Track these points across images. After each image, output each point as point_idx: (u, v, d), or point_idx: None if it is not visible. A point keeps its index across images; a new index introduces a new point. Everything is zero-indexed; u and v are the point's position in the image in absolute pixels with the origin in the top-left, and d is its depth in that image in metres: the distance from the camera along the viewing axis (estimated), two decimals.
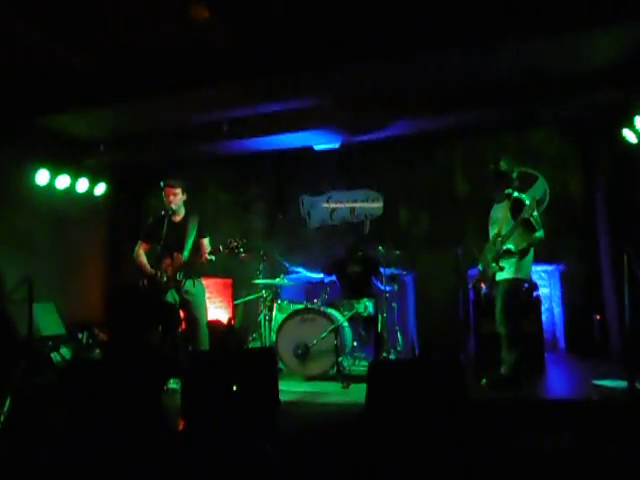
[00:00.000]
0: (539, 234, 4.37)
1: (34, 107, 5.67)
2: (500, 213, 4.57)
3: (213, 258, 4.69)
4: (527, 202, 4.38)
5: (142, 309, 3.59)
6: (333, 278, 6.24)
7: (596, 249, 6.39)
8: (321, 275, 6.00)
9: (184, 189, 4.82)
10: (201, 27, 4.37)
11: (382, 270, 5.80)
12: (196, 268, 4.78)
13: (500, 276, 4.48)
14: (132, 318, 3.21)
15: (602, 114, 5.94)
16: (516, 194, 4.54)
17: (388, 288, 5.69)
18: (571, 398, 4.35)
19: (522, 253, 4.40)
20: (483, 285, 4.79)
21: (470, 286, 5.68)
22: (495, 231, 4.54)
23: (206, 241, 4.88)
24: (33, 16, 4.29)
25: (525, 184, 6.51)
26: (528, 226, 4.36)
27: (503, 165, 4.58)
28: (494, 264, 4.48)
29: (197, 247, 4.82)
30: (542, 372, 5.20)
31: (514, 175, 4.63)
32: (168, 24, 4.43)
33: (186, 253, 4.72)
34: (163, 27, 4.50)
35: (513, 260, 4.40)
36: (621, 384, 4.20)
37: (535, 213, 4.39)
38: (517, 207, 4.41)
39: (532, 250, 4.47)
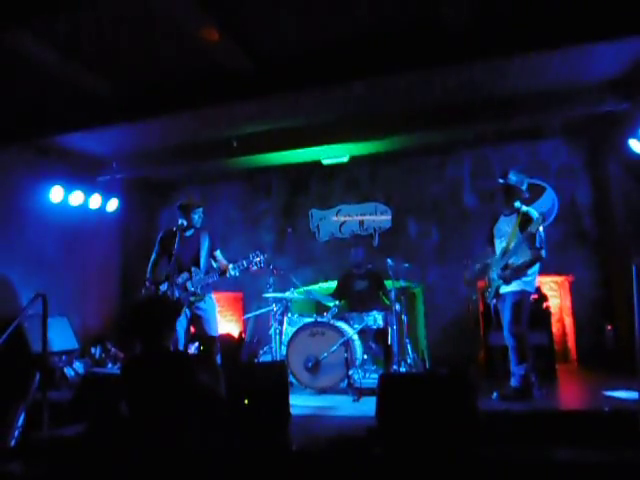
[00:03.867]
0: (542, 252, 4.36)
1: (48, 125, 5.79)
2: (508, 226, 4.56)
3: (237, 273, 4.74)
4: (535, 216, 4.35)
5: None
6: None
7: (606, 259, 6.38)
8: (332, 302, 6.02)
9: (197, 208, 4.93)
10: (212, 48, 4.45)
11: (387, 284, 5.81)
12: (215, 282, 4.85)
13: (505, 289, 4.49)
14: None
15: (610, 124, 5.95)
16: (525, 208, 4.53)
17: (395, 302, 5.69)
18: (582, 409, 4.34)
19: (526, 267, 4.41)
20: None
21: (478, 298, 5.70)
22: (503, 244, 4.54)
23: (219, 253, 4.96)
24: (48, 36, 4.39)
25: (533, 195, 6.54)
26: (533, 241, 4.35)
27: (512, 177, 4.55)
28: (499, 278, 4.49)
29: (212, 260, 4.90)
30: (553, 383, 5.18)
31: (523, 187, 4.61)
32: (179, 44, 4.52)
33: (203, 268, 4.79)
34: (174, 47, 4.58)
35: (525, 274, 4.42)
36: (633, 395, 4.18)
37: (541, 230, 4.37)
38: (526, 221, 4.38)
39: (537, 263, 4.48)
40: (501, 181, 4.59)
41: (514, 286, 4.43)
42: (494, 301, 4.63)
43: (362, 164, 7.17)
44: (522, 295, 4.44)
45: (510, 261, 4.43)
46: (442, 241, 6.99)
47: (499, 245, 4.62)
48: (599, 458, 3.13)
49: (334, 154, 6.79)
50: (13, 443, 3.65)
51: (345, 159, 6.90)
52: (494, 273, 4.55)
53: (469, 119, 5.91)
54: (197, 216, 4.90)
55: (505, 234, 4.55)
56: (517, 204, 4.57)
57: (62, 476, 3.12)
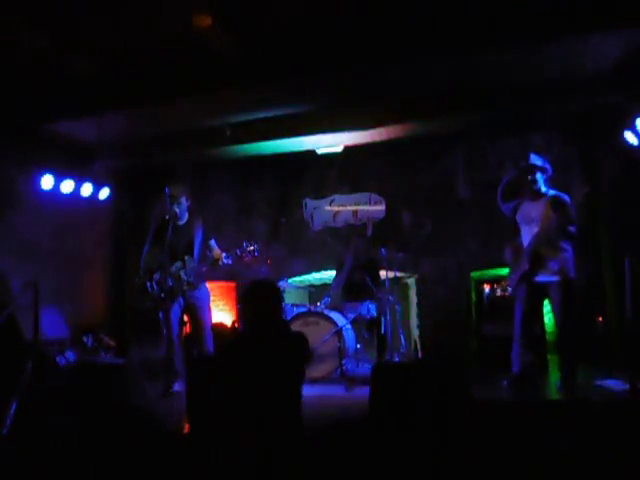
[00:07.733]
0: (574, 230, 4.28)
1: (38, 112, 5.72)
2: (536, 212, 4.39)
3: (230, 262, 4.73)
4: (568, 201, 4.31)
5: None
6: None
7: (598, 251, 6.41)
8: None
9: (187, 195, 4.87)
10: (204, 34, 4.40)
11: (380, 274, 5.83)
12: (208, 270, 4.83)
13: (548, 278, 4.35)
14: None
15: (604, 116, 5.95)
16: (552, 192, 4.41)
17: (388, 292, 5.71)
18: (572, 399, 4.38)
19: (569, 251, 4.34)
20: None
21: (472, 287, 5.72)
22: (537, 229, 4.34)
23: (213, 242, 4.94)
24: (38, 22, 4.33)
25: None
26: (571, 223, 4.28)
27: (535, 159, 4.41)
28: (545, 263, 4.34)
29: (206, 249, 4.88)
30: (545, 373, 5.22)
31: (547, 171, 4.46)
32: (172, 31, 4.47)
33: (197, 256, 4.77)
34: (166, 34, 4.54)
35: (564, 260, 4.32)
36: (622, 385, 4.22)
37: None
38: (560, 205, 4.28)
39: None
40: (523, 164, 4.45)
41: (562, 274, 4.26)
42: (510, 289, 4.52)
43: (356, 154, 7.14)
44: (573, 283, 4.31)
45: (544, 248, 4.30)
46: (435, 231, 6.99)
47: (529, 231, 4.43)
48: (588, 448, 3.15)
49: (328, 144, 6.76)
50: (5, 431, 3.64)
51: (339, 149, 6.87)
52: (542, 260, 4.34)
53: (463, 109, 5.91)
54: (183, 204, 4.84)
55: (536, 219, 4.37)
56: (543, 188, 4.44)
57: (53, 465, 3.12)
